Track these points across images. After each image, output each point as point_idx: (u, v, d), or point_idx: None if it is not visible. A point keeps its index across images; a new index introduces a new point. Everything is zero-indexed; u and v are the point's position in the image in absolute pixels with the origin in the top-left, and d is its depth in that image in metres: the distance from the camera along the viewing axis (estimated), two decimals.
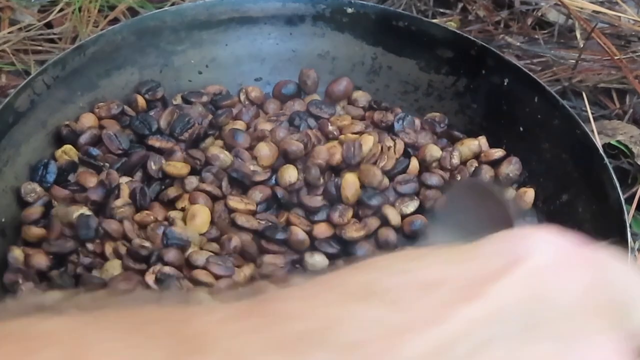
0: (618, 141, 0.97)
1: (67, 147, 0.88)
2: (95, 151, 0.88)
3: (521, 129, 0.91)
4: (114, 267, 0.79)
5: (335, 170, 0.86)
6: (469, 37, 0.94)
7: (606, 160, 0.85)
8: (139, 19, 0.94)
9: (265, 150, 0.87)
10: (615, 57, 1.02)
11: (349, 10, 0.95)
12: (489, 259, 0.35)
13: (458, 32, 0.95)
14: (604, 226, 0.84)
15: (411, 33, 0.94)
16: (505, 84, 0.92)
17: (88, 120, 0.90)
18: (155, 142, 0.88)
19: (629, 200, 0.91)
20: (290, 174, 0.85)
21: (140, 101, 0.92)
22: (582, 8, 1.06)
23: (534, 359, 0.33)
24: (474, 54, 0.92)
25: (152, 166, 0.86)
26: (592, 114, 0.98)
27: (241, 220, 0.82)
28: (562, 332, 0.34)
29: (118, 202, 0.83)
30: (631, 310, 0.37)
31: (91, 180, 0.86)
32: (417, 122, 0.92)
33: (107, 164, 0.87)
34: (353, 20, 0.95)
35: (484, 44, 0.93)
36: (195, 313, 0.34)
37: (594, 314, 0.36)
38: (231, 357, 0.32)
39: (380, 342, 0.32)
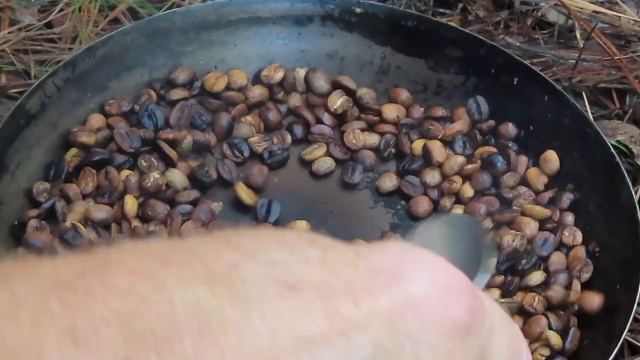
0: (618, 141, 0.97)
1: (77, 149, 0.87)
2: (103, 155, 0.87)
3: (531, 127, 0.92)
4: None
5: None
6: (478, 36, 0.94)
7: (617, 158, 0.86)
8: (149, 20, 0.93)
9: None
10: (615, 57, 1.03)
11: (358, 10, 0.95)
12: (363, 273, 0.32)
13: (467, 31, 0.95)
14: (616, 224, 0.85)
15: (420, 33, 0.94)
16: (515, 83, 0.92)
17: (96, 121, 0.89)
18: (167, 135, 0.88)
19: None
20: None
21: (152, 95, 0.92)
22: (582, 8, 1.07)
23: None
24: (483, 53, 0.93)
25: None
26: (592, 114, 0.99)
27: None
28: None
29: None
30: None
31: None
32: None
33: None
34: (362, 20, 0.95)
35: (494, 43, 0.93)
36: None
37: None
38: None
39: (200, 339, 0.29)
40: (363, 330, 0.31)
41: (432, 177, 0.89)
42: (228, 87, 0.92)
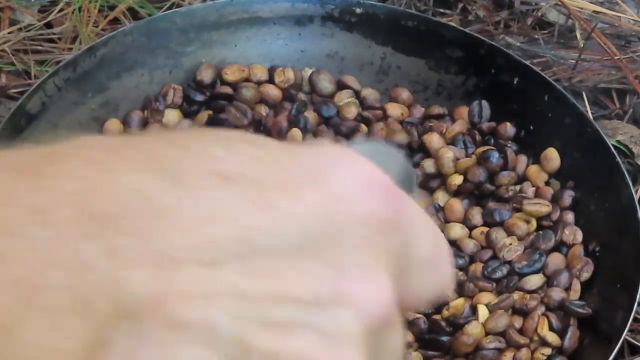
0: (618, 141, 0.98)
1: None
2: None
3: (531, 127, 0.92)
4: None
5: None
6: (479, 36, 0.94)
7: (618, 158, 0.87)
8: (149, 20, 0.94)
9: None
10: (615, 57, 1.03)
11: (358, 10, 0.95)
12: (294, 169, 0.34)
13: (467, 31, 0.95)
14: (616, 224, 0.85)
15: (420, 33, 0.95)
16: (515, 82, 0.93)
17: (114, 125, 0.90)
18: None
19: None
20: None
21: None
22: (582, 8, 1.07)
23: (300, 278, 0.33)
24: (484, 53, 0.93)
25: None
26: (592, 114, 0.99)
27: None
28: (336, 260, 0.33)
29: None
30: (410, 266, 0.36)
31: None
32: None
33: None
34: (362, 20, 0.95)
35: (494, 43, 0.93)
36: None
37: (373, 252, 0.34)
38: None
39: (145, 220, 0.31)
40: (293, 220, 0.33)
41: (429, 165, 0.89)
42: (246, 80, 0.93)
